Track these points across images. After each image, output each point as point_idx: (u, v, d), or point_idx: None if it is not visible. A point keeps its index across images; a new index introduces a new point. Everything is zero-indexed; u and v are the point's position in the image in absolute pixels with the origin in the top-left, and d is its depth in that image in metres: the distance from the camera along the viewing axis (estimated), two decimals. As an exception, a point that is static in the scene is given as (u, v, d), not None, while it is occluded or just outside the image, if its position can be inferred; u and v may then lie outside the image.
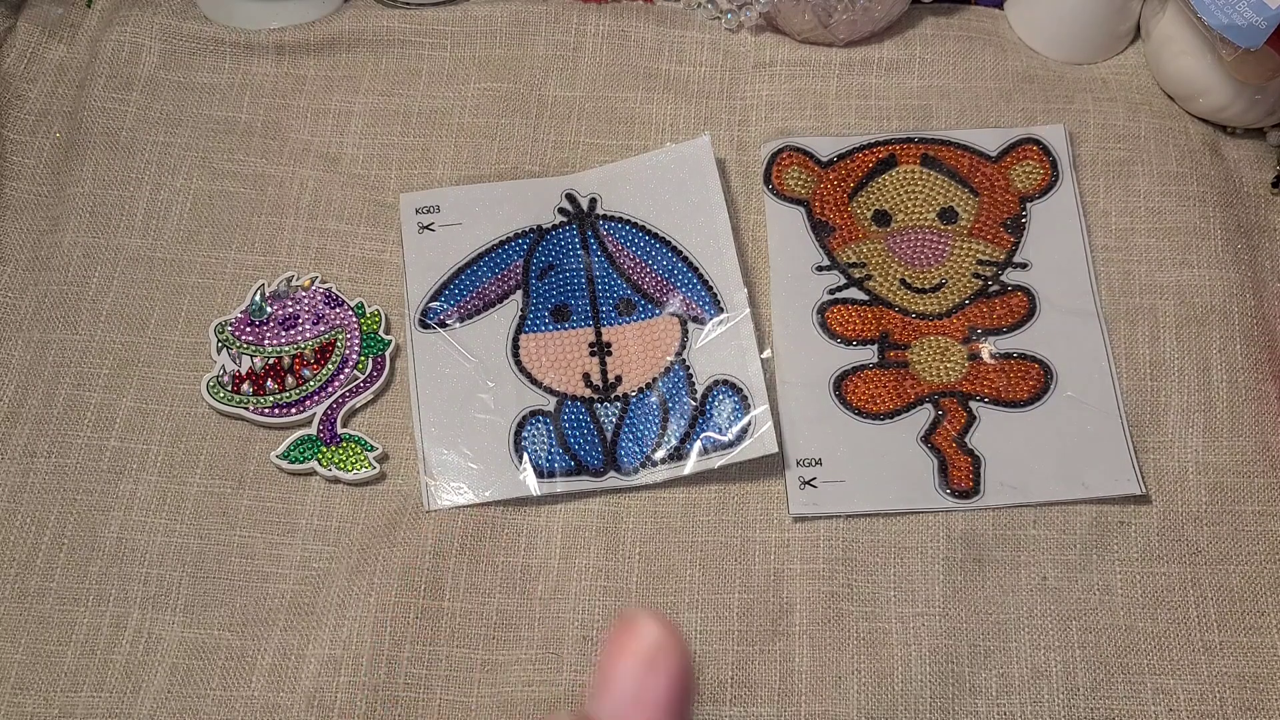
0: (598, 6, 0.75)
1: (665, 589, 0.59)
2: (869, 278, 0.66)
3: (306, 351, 0.64)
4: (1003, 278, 0.66)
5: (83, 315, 0.66)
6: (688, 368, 0.63)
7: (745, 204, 0.69)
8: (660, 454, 0.61)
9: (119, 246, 0.68)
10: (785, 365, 0.64)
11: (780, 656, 0.58)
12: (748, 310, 0.64)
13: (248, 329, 0.65)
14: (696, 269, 0.66)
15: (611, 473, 0.61)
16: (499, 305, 0.65)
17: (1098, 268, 0.66)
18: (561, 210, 0.68)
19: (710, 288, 0.65)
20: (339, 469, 0.61)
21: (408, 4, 0.75)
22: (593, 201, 0.68)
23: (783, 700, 0.56)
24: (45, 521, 0.60)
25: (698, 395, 0.62)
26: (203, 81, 0.73)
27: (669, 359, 0.64)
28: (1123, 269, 0.66)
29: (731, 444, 0.61)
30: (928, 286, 0.66)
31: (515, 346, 0.64)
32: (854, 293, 0.66)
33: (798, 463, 0.61)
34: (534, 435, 0.62)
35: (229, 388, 0.63)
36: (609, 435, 0.62)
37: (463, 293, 0.66)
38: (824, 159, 0.70)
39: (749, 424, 0.61)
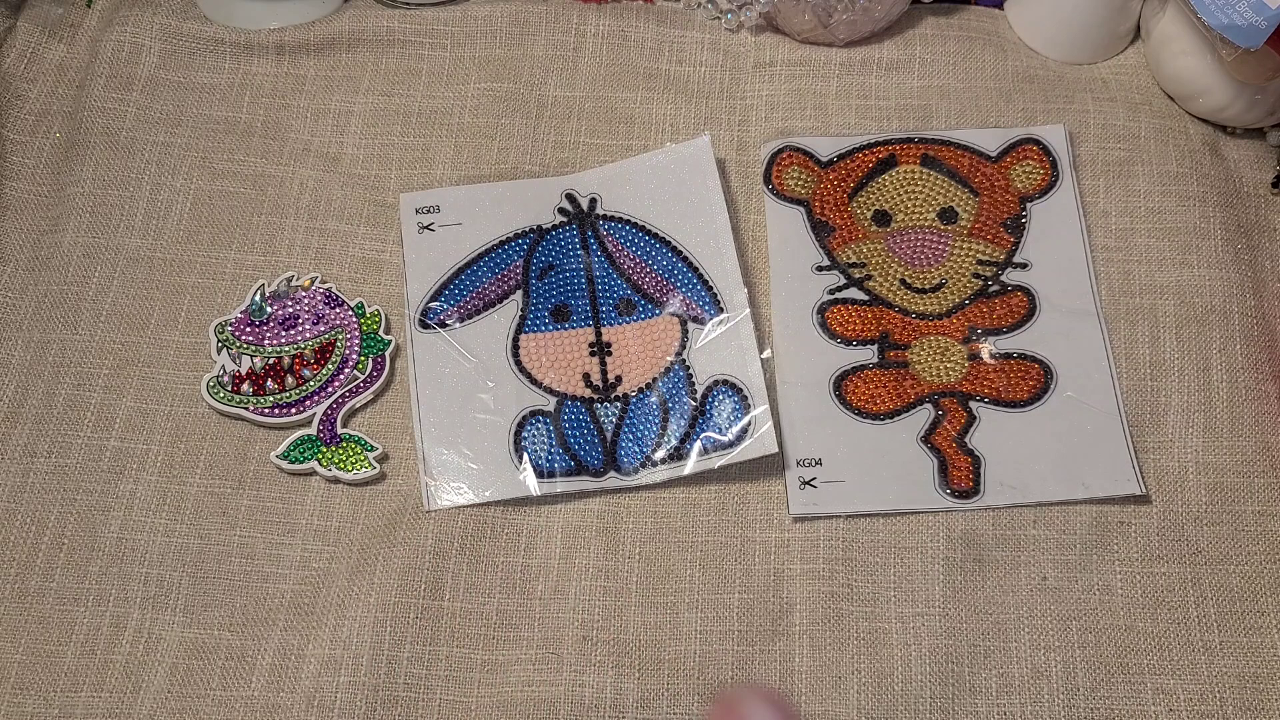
0: (598, 6, 0.75)
1: (665, 589, 0.59)
2: (869, 278, 0.66)
3: (306, 351, 0.64)
4: (1003, 278, 0.66)
5: (83, 315, 0.66)
6: (688, 368, 0.63)
7: (745, 204, 0.69)
8: (660, 454, 0.61)
9: (119, 246, 0.68)
10: (785, 365, 0.64)
11: (780, 656, 0.58)
12: (748, 310, 0.64)
13: (248, 329, 0.65)
14: (696, 269, 0.66)
15: (611, 473, 0.61)
16: (499, 305, 0.65)
17: (1098, 268, 0.66)
18: (561, 210, 0.68)
19: (710, 288, 0.65)
20: (339, 469, 0.61)
21: (408, 4, 0.75)
22: (593, 201, 0.68)
23: (783, 700, 0.56)
24: (45, 521, 0.60)
25: (698, 395, 0.62)
26: (203, 81, 0.73)
27: (669, 359, 0.64)
28: (1123, 269, 0.66)
29: (731, 444, 0.61)
30: (928, 286, 0.66)
31: (515, 346, 0.64)
32: (854, 293, 0.66)
33: (798, 463, 0.61)
34: (534, 435, 0.62)
35: (229, 388, 0.63)
36: (609, 435, 0.62)
37: (463, 293, 0.66)
38: (824, 159, 0.70)
39: (749, 424, 0.61)
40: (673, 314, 0.65)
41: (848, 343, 0.64)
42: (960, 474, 0.61)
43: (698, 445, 0.61)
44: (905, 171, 0.69)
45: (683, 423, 0.62)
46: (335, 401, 0.63)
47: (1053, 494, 0.60)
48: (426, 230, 0.67)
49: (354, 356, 0.64)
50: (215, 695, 0.57)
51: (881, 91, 0.72)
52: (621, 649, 0.58)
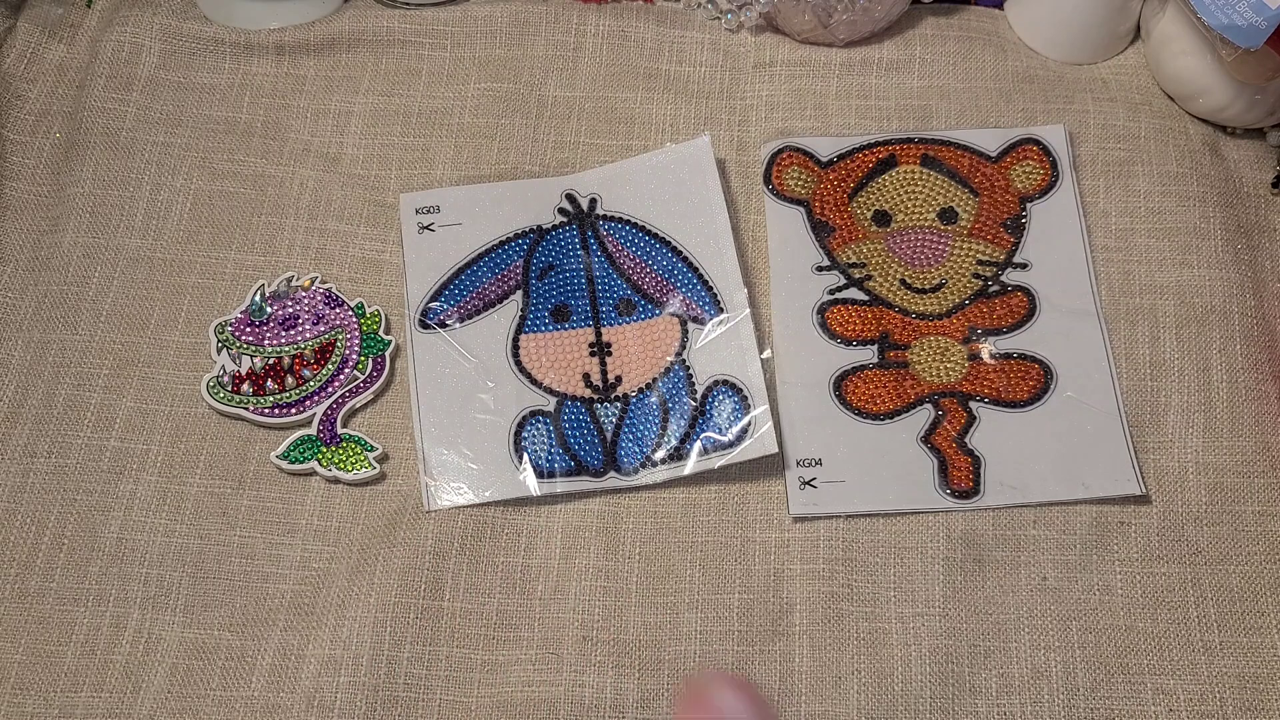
0: (598, 6, 0.75)
1: (665, 589, 0.59)
2: (869, 278, 0.66)
3: (306, 352, 0.64)
4: (1003, 278, 0.66)
5: (83, 315, 0.66)
6: (688, 368, 0.63)
7: (745, 204, 0.69)
8: (660, 454, 0.61)
9: (119, 246, 0.68)
10: (785, 365, 0.64)
11: (780, 656, 0.58)
12: (748, 310, 0.64)
13: (248, 329, 0.65)
14: (696, 269, 0.66)
15: (611, 473, 0.61)
16: (499, 305, 0.65)
17: (1098, 268, 0.66)
18: (561, 210, 0.68)
19: (710, 288, 0.65)
20: (339, 469, 0.61)
21: (408, 4, 0.75)
22: (593, 202, 0.68)
23: (783, 700, 0.56)
24: (45, 521, 0.60)
25: (698, 395, 0.62)
26: (203, 81, 0.73)
27: (669, 359, 0.64)
28: (1123, 269, 0.66)
29: (731, 444, 0.61)
30: (928, 286, 0.66)
31: (515, 347, 0.64)
32: (854, 293, 0.66)
33: (798, 463, 0.61)
34: (534, 435, 0.62)
35: (229, 388, 0.63)
36: (609, 435, 0.62)
37: (463, 293, 0.66)
38: (824, 159, 0.70)
39: (749, 424, 0.61)
40: (673, 314, 0.65)
41: (848, 343, 0.64)
42: (960, 474, 0.61)
43: (698, 445, 0.61)
44: (905, 171, 0.69)
45: (683, 423, 0.62)
46: (335, 402, 0.63)
47: (1053, 494, 0.60)
48: (426, 230, 0.67)
49: (354, 357, 0.64)
50: (215, 695, 0.57)
51: (881, 91, 0.72)
52: (621, 649, 0.58)
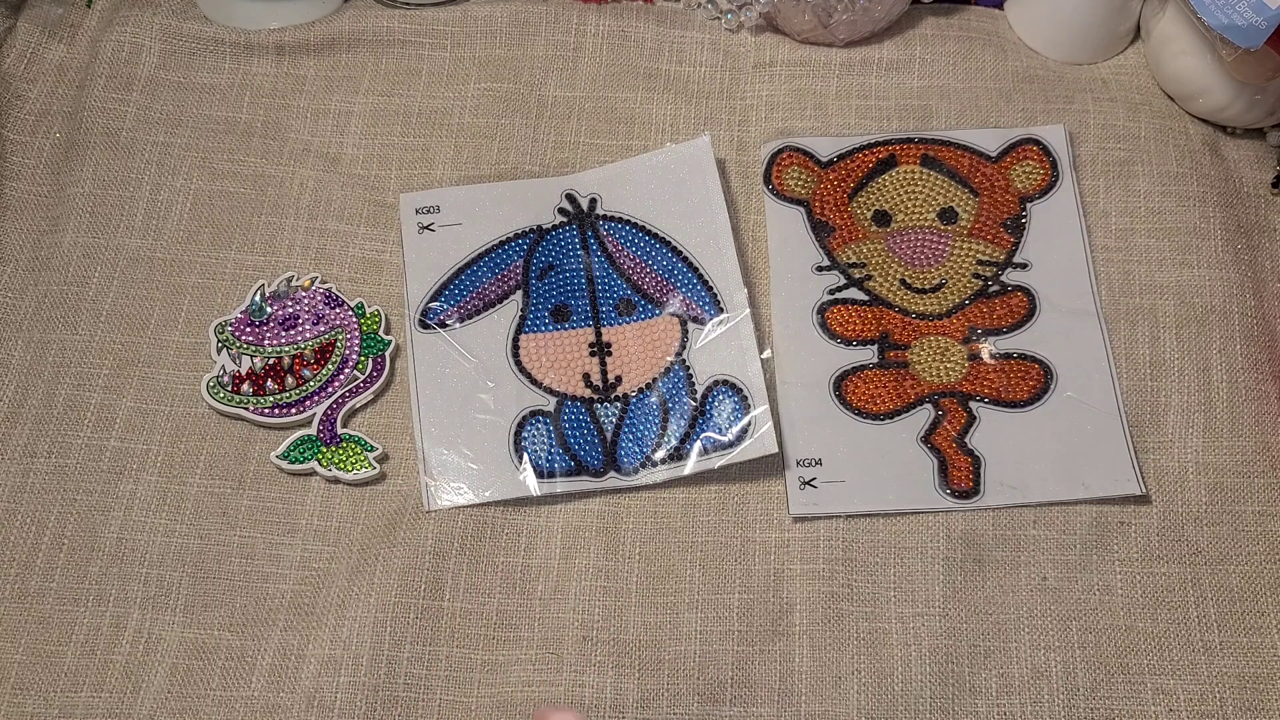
0: (598, 6, 0.75)
1: (665, 589, 0.59)
2: (869, 278, 0.66)
3: (306, 352, 0.64)
4: (1003, 278, 0.66)
5: (83, 315, 0.66)
6: (688, 368, 0.63)
7: (745, 204, 0.69)
8: (660, 454, 0.61)
9: (119, 246, 0.68)
10: (785, 365, 0.64)
11: (780, 656, 0.58)
12: (748, 310, 0.64)
13: (248, 329, 0.65)
14: (696, 269, 0.66)
15: (611, 473, 0.61)
16: (499, 305, 0.65)
17: (1098, 268, 0.66)
18: (561, 210, 0.68)
19: (710, 288, 0.65)
20: (339, 469, 0.61)
21: (408, 4, 0.75)
22: (593, 202, 0.68)
23: (783, 700, 0.56)
24: (45, 521, 0.60)
25: (698, 395, 0.62)
26: (203, 81, 0.73)
27: (669, 359, 0.64)
28: (1123, 269, 0.66)
29: (731, 444, 0.61)
30: (928, 286, 0.66)
31: (515, 347, 0.64)
32: (854, 293, 0.66)
33: (798, 463, 0.61)
34: (534, 435, 0.62)
35: (229, 388, 0.63)
36: (609, 435, 0.62)
37: (463, 293, 0.66)
38: (824, 159, 0.70)
39: (749, 424, 0.61)
40: (673, 314, 0.65)
41: (848, 343, 0.64)
42: (960, 474, 0.61)
43: (698, 445, 0.61)
44: (905, 172, 0.69)
45: (683, 423, 0.62)
46: (335, 402, 0.63)
47: (1053, 494, 0.60)
48: (426, 230, 0.67)
49: (354, 357, 0.64)
50: (215, 695, 0.57)
51: (881, 91, 0.72)
52: (621, 649, 0.58)
